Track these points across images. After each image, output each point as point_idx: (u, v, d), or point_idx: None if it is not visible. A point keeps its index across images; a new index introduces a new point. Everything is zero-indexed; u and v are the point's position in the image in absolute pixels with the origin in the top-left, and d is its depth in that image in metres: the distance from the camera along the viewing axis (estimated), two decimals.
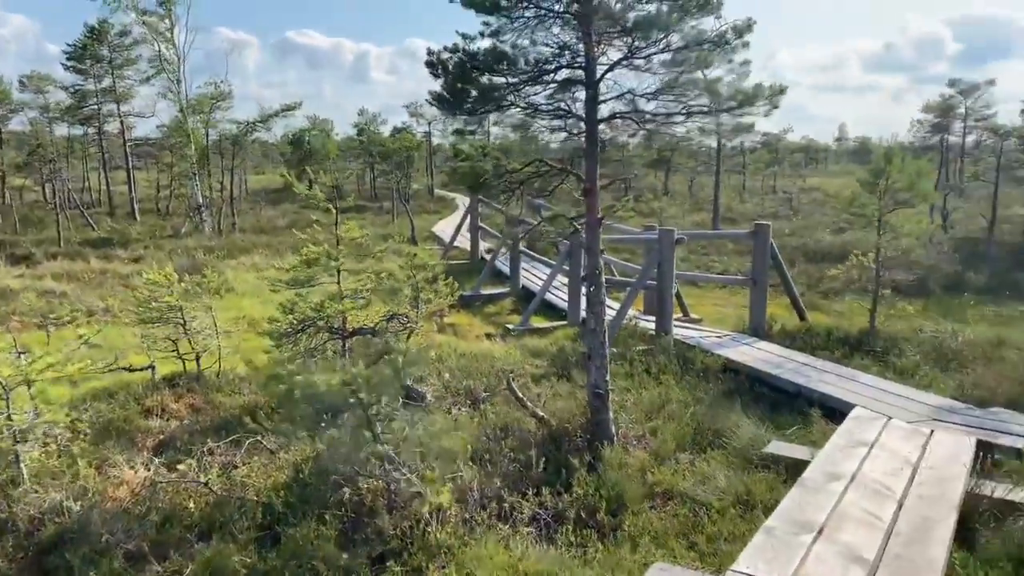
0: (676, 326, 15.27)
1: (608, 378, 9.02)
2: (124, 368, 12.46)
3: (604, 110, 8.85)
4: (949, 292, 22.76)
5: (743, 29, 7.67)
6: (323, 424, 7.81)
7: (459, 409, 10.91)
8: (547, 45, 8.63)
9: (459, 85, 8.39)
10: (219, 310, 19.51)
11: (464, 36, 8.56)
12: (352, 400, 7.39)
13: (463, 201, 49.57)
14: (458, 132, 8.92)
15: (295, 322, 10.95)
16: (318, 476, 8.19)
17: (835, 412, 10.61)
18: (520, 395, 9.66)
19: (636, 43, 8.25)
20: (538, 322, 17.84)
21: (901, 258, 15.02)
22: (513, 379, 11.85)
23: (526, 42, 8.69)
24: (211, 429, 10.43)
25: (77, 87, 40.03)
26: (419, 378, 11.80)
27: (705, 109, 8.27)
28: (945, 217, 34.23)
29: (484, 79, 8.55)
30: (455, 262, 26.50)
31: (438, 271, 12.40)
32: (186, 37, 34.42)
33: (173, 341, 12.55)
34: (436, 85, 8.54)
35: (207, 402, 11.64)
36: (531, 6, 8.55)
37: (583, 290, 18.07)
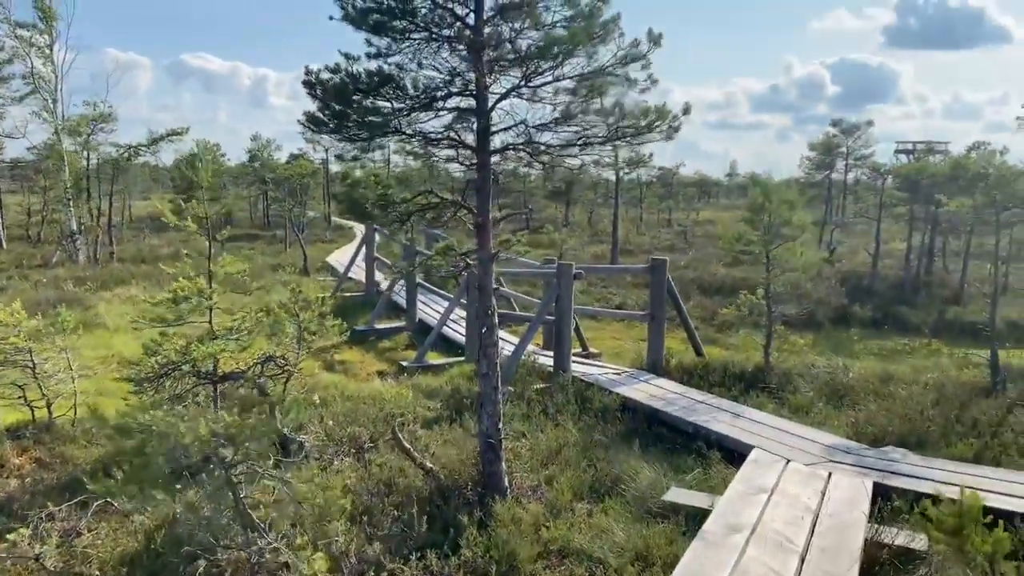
0: (574, 362, 14.90)
1: (501, 426, 8.43)
2: None
3: (496, 141, 8.36)
4: (837, 325, 23.41)
5: (649, 46, 7.32)
6: (180, 485, 6.88)
7: (341, 459, 10.07)
8: (437, 70, 8.07)
9: (338, 107, 7.71)
10: (86, 347, 17.99)
11: (347, 56, 7.92)
12: (213, 457, 6.52)
13: (361, 230, 48.41)
14: (338, 157, 8.24)
15: (158, 365, 9.87)
16: (172, 545, 7.21)
17: (734, 453, 10.38)
18: (406, 445, 8.93)
19: (529, 72, 7.80)
20: (435, 358, 17.15)
21: (790, 292, 15.15)
22: (403, 424, 11.11)
23: (414, 66, 8.11)
24: (57, 489, 9.24)
25: None
26: (298, 426, 10.90)
27: (602, 137, 7.87)
28: (832, 251, 35.60)
29: (367, 102, 7.91)
30: (350, 294, 25.51)
31: (325, 308, 11.53)
32: (66, 55, 32.28)
33: (20, 387, 11.20)
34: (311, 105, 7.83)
35: (56, 456, 10.38)
36: (420, 29, 8.00)
37: None
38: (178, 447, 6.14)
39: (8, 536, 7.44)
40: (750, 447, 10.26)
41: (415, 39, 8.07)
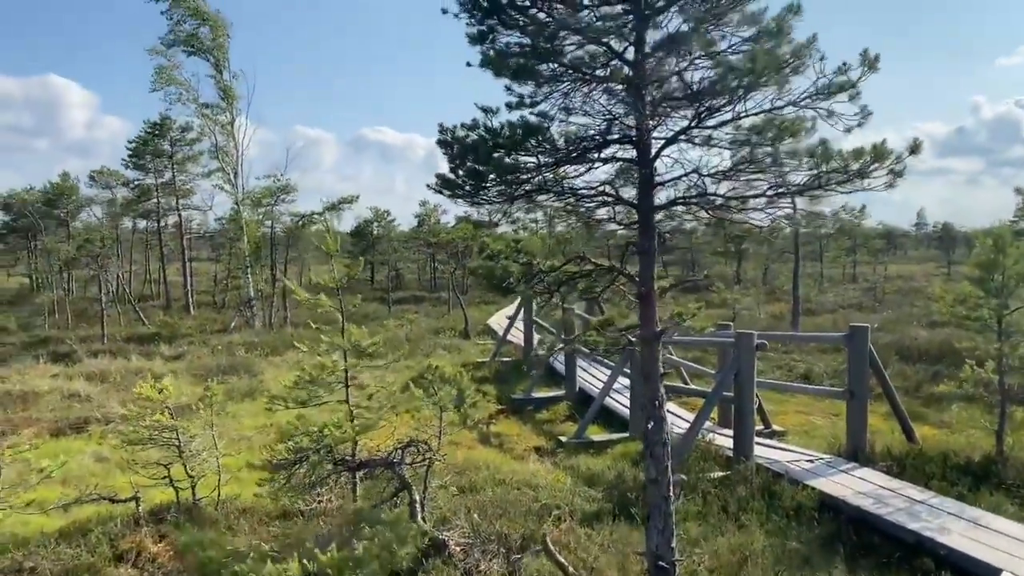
0: (758, 444, 12.89)
1: (675, 544, 6.81)
2: (106, 497, 10.76)
3: (662, 195, 6.96)
4: None
5: (861, 71, 5.69)
6: None
7: (488, 562, 8.76)
8: (589, 116, 6.84)
9: (476, 166, 6.62)
10: (247, 415, 18.02)
11: (484, 109, 6.86)
12: None
13: None
14: (477, 224, 7.13)
15: (291, 451, 9.11)
16: None
17: (969, 573, 8.16)
18: (560, 559, 7.50)
19: (702, 111, 6.38)
20: (596, 432, 15.64)
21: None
22: (559, 520, 9.72)
23: (562, 114, 6.93)
24: None
25: (138, 182, 40.53)
26: (442, 518, 9.76)
27: (798, 186, 6.26)
28: None
29: (509, 158, 6.78)
30: (508, 359, 24.54)
31: (464, 384, 10.42)
32: (245, 131, 34.44)
33: (165, 466, 10.84)
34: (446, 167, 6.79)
35: (195, 543, 9.77)
36: (568, 71, 6.84)
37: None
38: None
39: None
40: (997, 571, 8.00)
41: (563, 82, 6.91)
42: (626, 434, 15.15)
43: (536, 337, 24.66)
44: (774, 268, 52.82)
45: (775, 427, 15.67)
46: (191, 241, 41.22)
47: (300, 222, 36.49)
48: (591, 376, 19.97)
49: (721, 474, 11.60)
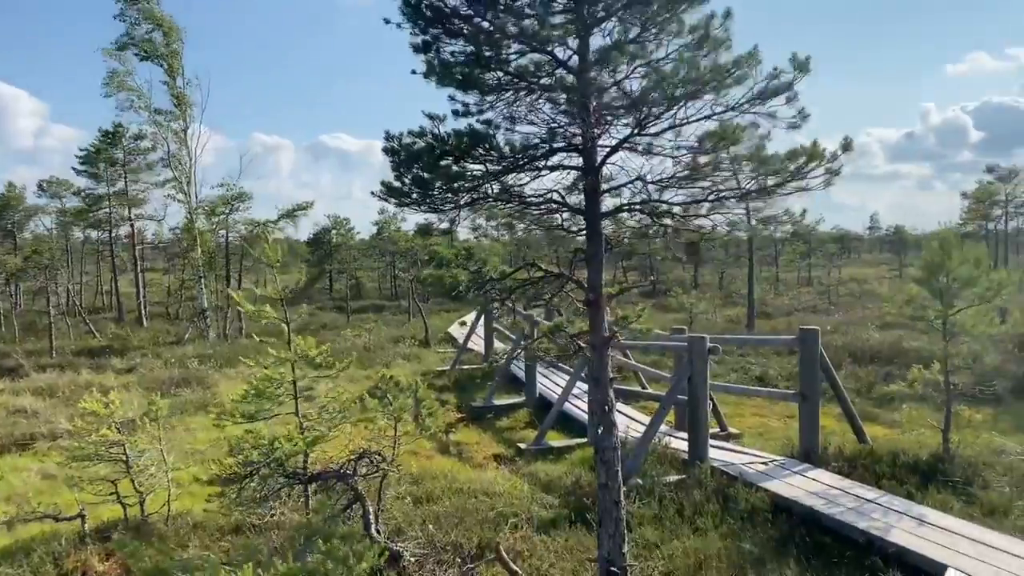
0: (713, 446, 13.02)
1: (626, 549, 6.83)
2: (50, 515, 10.46)
3: (609, 202, 7.01)
4: (1018, 397, 20.12)
5: (794, 74, 5.80)
6: None
7: (444, 572, 8.72)
8: (535, 125, 6.87)
9: (423, 174, 6.60)
10: (201, 429, 17.69)
11: (431, 116, 6.84)
12: None
13: None
14: (423, 231, 7.12)
15: (241, 464, 8.96)
16: None
17: (920, 572, 8.31)
18: (513, 567, 7.47)
19: (643, 118, 6.44)
20: (556, 439, 15.67)
21: (975, 366, 12.74)
22: (516, 527, 9.71)
23: (507, 123, 6.94)
24: None
25: (89, 191, 39.71)
26: (396, 529, 9.68)
27: (738, 190, 6.35)
28: (1002, 312, 31.60)
29: (456, 167, 6.77)
30: (468, 367, 24.47)
31: (421, 393, 10.34)
32: (199, 139, 33.89)
33: (112, 482, 10.59)
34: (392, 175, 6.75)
35: (141, 560, 9.55)
36: (513, 79, 6.86)
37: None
38: None
39: None
40: (943, 567, 8.17)
41: (508, 91, 6.92)
42: (585, 439, 15.19)
43: (497, 344, 24.67)
44: (730, 272, 53.56)
45: (731, 429, 15.87)
46: (144, 251, 40.44)
47: (255, 231, 35.99)
48: (551, 382, 20.01)
49: (677, 477, 11.67)
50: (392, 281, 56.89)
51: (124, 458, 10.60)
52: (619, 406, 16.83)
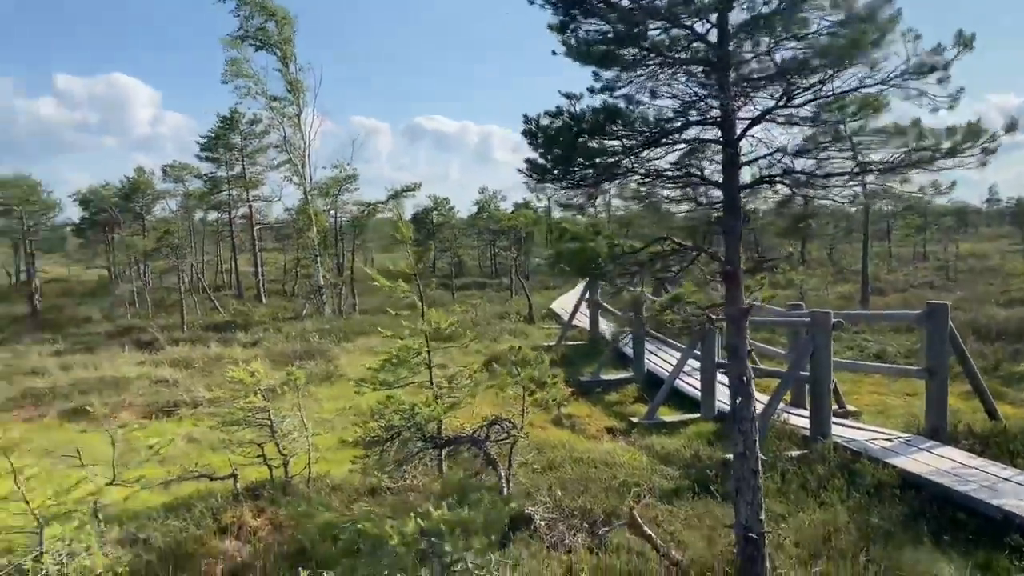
0: (834, 423, 12.85)
1: (763, 516, 6.97)
2: (206, 475, 11.37)
3: (746, 174, 7.07)
4: None
5: (957, 51, 5.72)
6: None
7: (573, 536, 9.04)
8: (674, 98, 6.99)
9: (562, 152, 6.84)
10: (327, 399, 18.65)
11: (568, 96, 7.07)
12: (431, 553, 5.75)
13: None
14: (566, 207, 7.37)
15: (383, 429, 9.52)
16: None
17: None
18: (647, 531, 7.71)
19: (791, 89, 6.46)
20: (667, 414, 15.76)
21: None
22: (639, 496, 9.93)
23: (645, 97, 7.09)
24: (288, 556, 9.04)
25: (210, 175, 41.92)
26: (525, 494, 10.07)
27: (886, 164, 6.31)
28: None
29: (593, 143, 6.98)
30: (574, 343, 24.73)
31: (546, 363, 10.66)
32: (312, 123, 35.17)
33: (259, 445, 11.40)
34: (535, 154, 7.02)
35: (290, 518, 10.29)
36: (652, 55, 6.99)
37: (719, 378, 15.94)
38: (387, 548, 5.40)
39: None
40: None
41: (647, 66, 7.06)
42: (697, 415, 15.24)
43: (602, 321, 24.82)
44: (839, 248, 51.66)
45: (849, 407, 15.56)
46: (260, 232, 42.38)
47: (365, 211, 37.21)
48: (659, 359, 20.05)
49: (798, 453, 11.64)
50: (492, 259, 57.63)
51: (269, 423, 11.38)
52: (728, 381, 16.75)
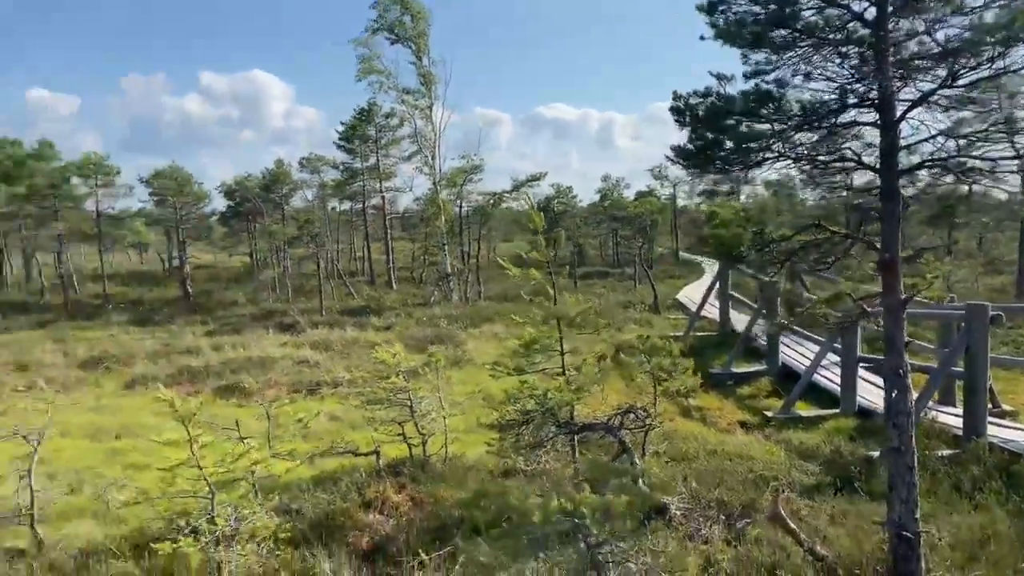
0: (990, 423, 12.08)
1: (918, 515, 6.68)
2: (350, 451, 11.97)
3: (904, 158, 6.75)
4: None
5: None
6: (540, 557, 6.33)
7: (709, 527, 8.94)
8: (828, 80, 6.77)
9: (710, 135, 6.75)
10: (456, 382, 19.16)
11: (718, 76, 6.96)
12: (575, 532, 5.87)
13: (710, 265, 46.86)
14: (708, 193, 7.26)
15: (518, 413, 9.72)
16: None
17: None
18: (791, 524, 7.54)
19: (957, 70, 6.12)
20: (803, 409, 15.25)
21: None
22: (777, 491, 9.69)
23: (797, 80, 6.89)
24: (428, 531, 9.39)
25: (346, 166, 43.69)
26: (659, 484, 10.03)
27: None
28: None
29: (742, 127, 6.85)
30: (703, 334, 24.25)
31: (675, 352, 10.56)
32: (442, 115, 36.02)
33: (399, 424, 11.88)
34: (679, 139, 6.97)
35: (429, 495, 10.69)
36: (805, 36, 6.78)
37: (860, 373, 15.27)
38: (540, 522, 5.55)
39: None
40: None
41: (800, 48, 6.86)
42: (836, 410, 14.69)
43: (733, 313, 24.22)
44: (990, 237, 47.99)
45: (1005, 406, 14.57)
46: (391, 221, 43.84)
47: (491, 200, 37.82)
48: (794, 351, 19.39)
49: (949, 452, 11.04)
50: (615, 248, 57.25)
51: (409, 403, 11.83)
52: (869, 376, 16.01)
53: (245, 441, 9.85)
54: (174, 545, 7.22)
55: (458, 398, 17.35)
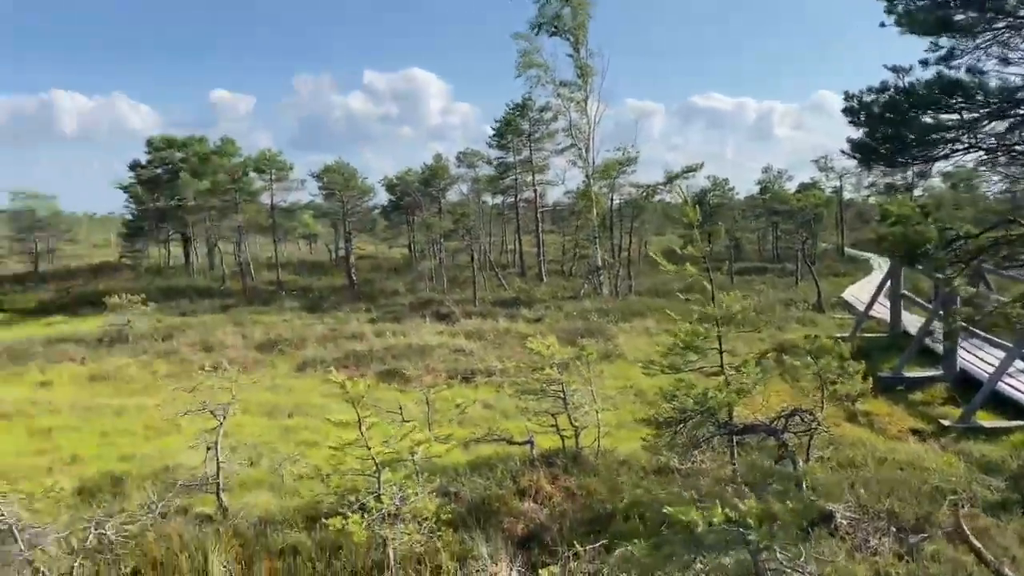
0: None
1: None
2: (505, 439, 12.26)
3: None
4: None
5: None
6: (699, 560, 6.26)
7: (879, 539, 8.48)
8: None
9: (890, 130, 6.39)
10: (607, 377, 19.15)
11: (895, 69, 6.57)
12: (739, 543, 5.75)
13: (879, 262, 44.02)
14: (887, 188, 6.86)
15: (674, 411, 9.59)
16: None
17: None
18: (976, 543, 7.03)
19: None
20: (985, 419, 14.10)
21: None
22: (956, 506, 9.06)
23: (991, 65, 6.39)
24: (582, 523, 9.49)
25: (500, 160, 44.61)
26: (824, 491, 9.61)
27: None
28: None
29: (927, 118, 6.43)
30: (870, 335, 22.88)
31: (845, 354, 10.05)
32: (597, 107, 35.95)
33: (552, 415, 12.05)
34: (849, 130, 6.63)
35: (581, 487, 10.78)
36: (999, 17, 6.27)
37: None
38: (702, 531, 5.48)
39: (541, 572, 7.75)
40: None
41: (993, 31, 6.35)
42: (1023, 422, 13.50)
43: (905, 313, 22.72)
44: None
45: None
46: (542, 214, 44.34)
47: (644, 193, 37.38)
48: (975, 356, 17.93)
49: None
50: (774, 242, 55.02)
51: (562, 395, 11.97)
52: None
53: (407, 423, 10.34)
54: (343, 520, 7.68)
55: (609, 392, 17.36)
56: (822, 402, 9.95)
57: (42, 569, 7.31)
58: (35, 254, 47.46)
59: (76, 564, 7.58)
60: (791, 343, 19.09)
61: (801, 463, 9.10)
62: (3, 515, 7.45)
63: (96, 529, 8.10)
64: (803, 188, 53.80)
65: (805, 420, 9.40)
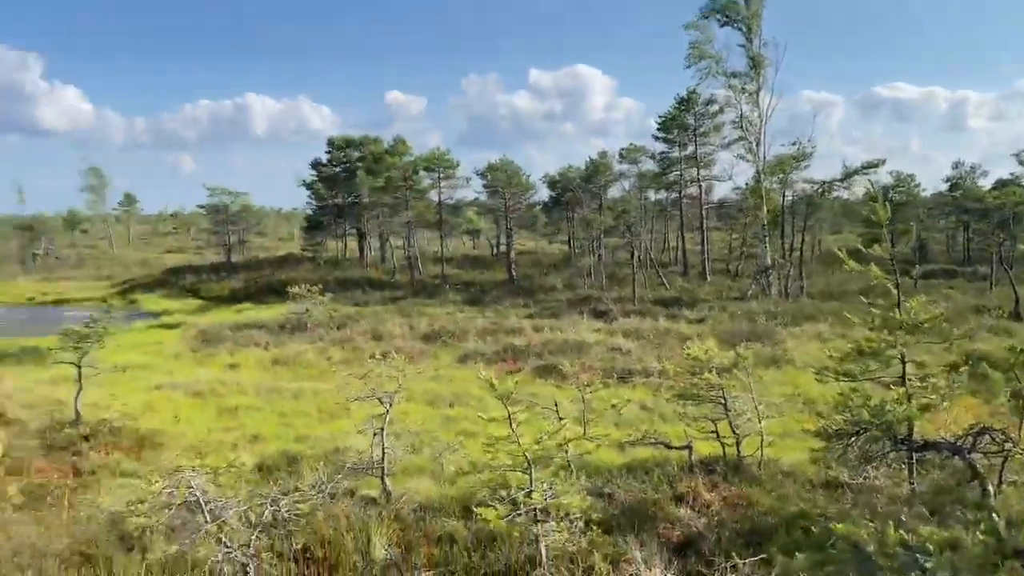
0: None
1: None
2: (662, 442, 11.96)
3: None
4: None
5: None
6: None
7: None
8: None
9: None
10: (773, 383, 18.27)
11: None
12: (914, 571, 5.23)
13: None
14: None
15: (847, 423, 8.93)
16: None
17: None
18: None
19: None
20: None
21: None
22: None
23: None
24: (741, 534, 9.07)
25: (663, 155, 43.77)
26: (1019, 520, 8.62)
27: None
28: None
29: None
30: None
31: None
32: (770, 100, 34.34)
33: (712, 421, 11.61)
34: None
35: (742, 497, 10.32)
36: None
37: None
38: (863, 554, 5.04)
39: None
40: None
41: None
42: None
43: None
44: None
45: None
46: (707, 211, 43.06)
47: (820, 189, 35.34)
48: None
49: None
50: (965, 243, 50.44)
51: (723, 401, 11.50)
52: None
53: (561, 420, 10.32)
54: (496, 513, 7.75)
55: (775, 400, 16.54)
56: (1022, 423, 8.93)
57: (224, 540, 7.87)
58: (228, 246, 51.70)
59: (253, 537, 8.12)
60: (982, 353, 17.37)
61: (992, 487, 8.21)
62: (192, 487, 8.10)
63: (272, 505, 8.64)
64: (1000, 184, 48.87)
65: (997, 440, 8.46)
